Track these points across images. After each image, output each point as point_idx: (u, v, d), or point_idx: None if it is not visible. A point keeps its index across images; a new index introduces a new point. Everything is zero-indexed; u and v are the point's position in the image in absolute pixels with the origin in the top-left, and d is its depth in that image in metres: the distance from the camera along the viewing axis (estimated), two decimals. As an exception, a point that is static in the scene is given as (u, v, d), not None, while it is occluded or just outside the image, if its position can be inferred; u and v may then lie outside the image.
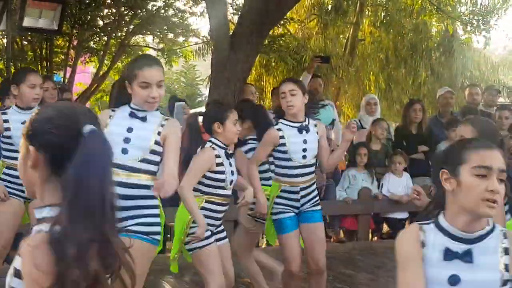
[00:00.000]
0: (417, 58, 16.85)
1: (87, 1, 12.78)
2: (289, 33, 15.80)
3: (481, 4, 13.56)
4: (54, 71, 13.74)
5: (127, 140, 4.00)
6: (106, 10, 13.66)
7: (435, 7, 13.41)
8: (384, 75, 17.15)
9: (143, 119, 4.06)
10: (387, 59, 17.09)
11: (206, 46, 14.59)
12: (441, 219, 2.59)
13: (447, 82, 14.64)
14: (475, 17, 12.75)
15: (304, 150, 5.15)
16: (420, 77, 16.91)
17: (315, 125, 5.34)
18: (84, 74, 15.96)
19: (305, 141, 5.14)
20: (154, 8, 13.79)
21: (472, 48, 17.01)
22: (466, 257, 2.50)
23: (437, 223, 2.59)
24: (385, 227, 8.61)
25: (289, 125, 5.15)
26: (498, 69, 18.41)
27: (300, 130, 5.13)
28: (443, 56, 16.91)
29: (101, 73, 14.02)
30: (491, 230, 2.54)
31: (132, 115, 4.06)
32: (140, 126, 4.05)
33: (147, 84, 3.93)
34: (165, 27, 14.36)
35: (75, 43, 13.76)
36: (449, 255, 2.51)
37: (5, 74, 13.18)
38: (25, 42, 13.08)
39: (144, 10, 13.48)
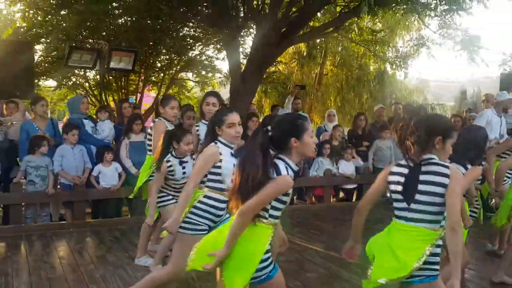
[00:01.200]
0: (361, 86, 16.95)
1: (150, 51, 12.83)
2: (279, 71, 15.86)
3: (401, 51, 13.60)
4: (130, 96, 13.80)
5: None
6: (162, 57, 13.70)
7: (372, 53, 13.42)
8: (340, 97, 17.21)
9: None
10: (341, 87, 17.12)
11: (226, 79, 14.58)
12: None
13: (381, 101, 14.61)
14: (398, 60, 12.73)
15: None
16: (363, 98, 17.00)
17: None
18: (148, 97, 16.00)
19: None
20: (193, 55, 13.82)
21: (396, 79, 16.99)
22: None
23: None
24: (341, 194, 8.60)
25: None
26: (412, 92, 18.45)
27: None
28: (378, 84, 16.93)
29: (159, 97, 14.06)
30: None
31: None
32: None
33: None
34: (200, 67, 14.39)
35: (142, 78, 13.81)
36: None
37: (98, 98, 13.24)
38: (111, 77, 13.08)
39: (186, 56, 13.50)
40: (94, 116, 7.48)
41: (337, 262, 4.64)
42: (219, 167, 3.22)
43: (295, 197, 8.16)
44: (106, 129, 6.92)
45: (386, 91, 17.19)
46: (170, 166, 4.17)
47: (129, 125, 6.59)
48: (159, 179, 4.18)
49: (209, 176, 3.25)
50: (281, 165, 2.48)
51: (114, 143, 7.13)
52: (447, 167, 2.52)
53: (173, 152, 4.24)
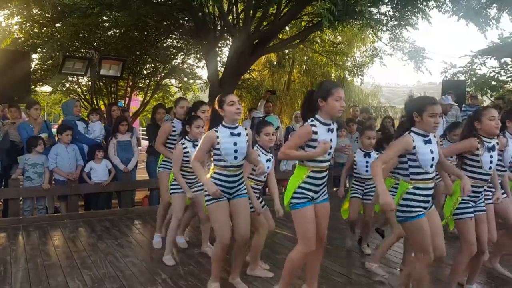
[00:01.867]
0: (324, 91, 17.06)
1: (137, 60, 12.67)
2: (252, 78, 15.84)
3: (358, 60, 13.78)
4: (119, 100, 13.61)
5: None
6: (148, 65, 13.54)
7: (333, 62, 13.56)
8: (306, 101, 17.29)
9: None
10: (307, 92, 17.16)
11: (205, 85, 14.50)
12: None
13: (341, 104, 14.73)
14: (355, 68, 12.92)
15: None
16: (325, 101, 17.11)
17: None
18: (136, 101, 15.78)
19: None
20: (176, 63, 13.70)
21: (354, 85, 17.18)
22: None
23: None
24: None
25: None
26: (368, 96, 18.68)
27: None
28: (338, 90, 17.09)
29: (145, 101, 13.90)
30: None
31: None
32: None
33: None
34: (182, 74, 14.28)
35: (130, 83, 13.61)
36: None
37: (90, 102, 13.00)
38: (101, 83, 12.84)
39: (170, 64, 13.38)
40: (86, 118, 7.34)
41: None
42: (218, 148, 3.29)
43: (267, 189, 8.13)
44: (97, 130, 6.80)
45: (346, 95, 17.34)
46: (185, 148, 4.17)
47: (115, 126, 6.54)
48: (177, 161, 4.16)
49: (214, 156, 3.36)
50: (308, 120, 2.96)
51: (104, 142, 7.02)
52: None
53: (186, 137, 4.26)
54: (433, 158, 2.86)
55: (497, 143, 3.41)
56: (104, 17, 10.45)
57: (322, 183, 3.04)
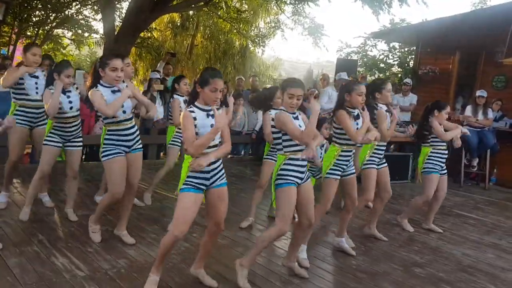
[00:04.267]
0: (226, 58, 17.01)
1: (25, 4, 11.47)
2: (153, 37, 15.23)
3: (260, 31, 13.93)
4: (2, 47, 12.31)
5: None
6: (38, 12, 12.34)
7: (237, 30, 13.54)
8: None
9: None
10: (209, 58, 17.04)
11: (102, 40, 13.63)
12: None
13: (242, 73, 14.85)
14: (257, 38, 13.04)
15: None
16: (228, 69, 17.05)
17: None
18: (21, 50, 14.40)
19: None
20: (70, 13, 12.64)
21: (256, 55, 17.37)
22: None
23: None
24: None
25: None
26: (269, 68, 19.05)
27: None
28: (241, 58, 17.16)
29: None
30: None
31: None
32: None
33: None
34: (76, 25, 13.24)
35: (16, 30, 12.34)
36: None
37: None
38: (-20, 27, 11.46)
39: (63, 13, 12.31)
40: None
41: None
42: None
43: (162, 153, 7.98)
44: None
45: (247, 65, 17.49)
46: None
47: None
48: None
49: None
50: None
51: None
52: None
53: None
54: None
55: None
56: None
57: (215, 168, 2.90)
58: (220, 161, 2.96)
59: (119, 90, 3.49)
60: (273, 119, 3.12)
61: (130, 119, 3.62)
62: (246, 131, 7.91)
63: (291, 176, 3.06)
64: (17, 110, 4.32)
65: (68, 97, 4.01)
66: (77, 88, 4.18)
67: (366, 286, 3.35)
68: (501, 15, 7.53)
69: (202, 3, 9.58)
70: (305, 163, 3.15)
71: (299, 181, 3.10)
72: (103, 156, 3.52)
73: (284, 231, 3.07)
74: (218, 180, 2.93)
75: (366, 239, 4.39)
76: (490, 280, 3.67)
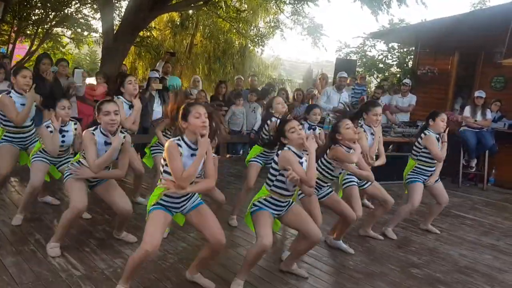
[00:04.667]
0: (226, 58, 17.00)
1: (25, 3, 11.44)
2: (153, 36, 15.20)
3: (260, 30, 13.92)
4: (1, 46, 12.28)
5: None
6: (37, 10, 12.31)
7: (236, 30, 13.52)
8: (207, 66, 17.13)
9: None
10: (209, 57, 17.03)
11: (101, 38, 13.62)
12: None
13: (241, 72, 14.84)
14: (257, 38, 13.02)
15: None
16: (227, 68, 17.05)
17: None
18: (21, 49, 14.33)
19: None
20: (69, 12, 12.61)
21: (255, 55, 17.35)
22: None
23: None
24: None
25: None
26: (268, 68, 19.03)
27: None
28: (240, 58, 17.15)
29: (32, 50, 12.68)
30: None
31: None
32: None
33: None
34: (75, 24, 13.22)
35: (15, 28, 12.31)
36: None
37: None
38: (-21, 25, 11.44)
39: (62, 12, 12.28)
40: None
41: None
42: None
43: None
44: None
45: (246, 64, 17.48)
46: None
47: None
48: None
49: None
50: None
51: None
52: None
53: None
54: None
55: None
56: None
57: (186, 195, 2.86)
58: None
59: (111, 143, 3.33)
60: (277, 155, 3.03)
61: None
62: (245, 131, 7.90)
63: (267, 207, 3.07)
64: (5, 136, 4.14)
65: (63, 136, 3.88)
66: (75, 124, 4.03)
67: (363, 287, 3.35)
68: (500, 16, 7.53)
69: (202, 2, 9.56)
70: (285, 204, 3.11)
71: (276, 213, 3.11)
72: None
73: (265, 247, 2.91)
74: (190, 204, 2.90)
75: (363, 240, 4.39)
76: (487, 281, 3.66)
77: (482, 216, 5.81)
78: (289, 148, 3.03)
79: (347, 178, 4.06)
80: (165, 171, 2.75)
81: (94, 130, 3.33)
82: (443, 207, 4.84)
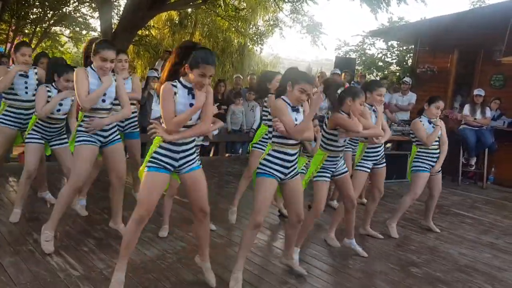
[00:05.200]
0: (225, 56, 16.97)
1: (23, 2, 11.40)
2: (151, 35, 15.19)
3: (259, 29, 13.90)
4: (-1, 45, 12.29)
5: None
6: (35, 9, 12.28)
7: (235, 28, 13.51)
8: (206, 65, 17.10)
9: None
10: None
11: (100, 37, 13.62)
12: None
13: (240, 71, 14.83)
14: (256, 36, 13.01)
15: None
16: (225, 67, 17.04)
17: None
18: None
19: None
20: (67, 10, 12.59)
21: (254, 53, 17.33)
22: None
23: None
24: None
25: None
26: (267, 66, 19.00)
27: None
28: (239, 56, 17.14)
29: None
30: None
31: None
32: None
33: None
34: (74, 23, 13.20)
35: (13, 27, 12.29)
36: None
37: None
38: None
39: (60, 11, 12.26)
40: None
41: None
42: None
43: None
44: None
45: (246, 63, 17.47)
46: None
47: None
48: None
49: None
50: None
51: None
52: None
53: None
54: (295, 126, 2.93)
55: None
56: None
57: (186, 150, 2.81)
58: (193, 143, 2.85)
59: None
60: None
61: (109, 109, 3.48)
62: (245, 130, 7.89)
63: (272, 169, 2.96)
64: (5, 111, 4.20)
65: (60, 104, 3.91)
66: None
67: (363, 286, 3.34)
68: (499, 14, 7.51)
69: (200, 1, 9.57)
70: (292, 158, 3.01)
71: (281, 176, 3.00)
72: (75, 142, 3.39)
73: (257, 223, 2.93)
74: (188, 165, 2.82)
75: (363, 239, 4.38)
76: (487, 280, 3.66)
77: (481, 215, 5.81)
78: (283, 100, 2.98)
79: (361, 163, 4.12)
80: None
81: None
82: (436, 199, 4.82)
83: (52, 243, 3.40)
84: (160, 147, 2.74)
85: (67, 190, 3.40)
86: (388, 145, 7.90)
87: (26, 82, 4.23)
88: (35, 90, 4.14)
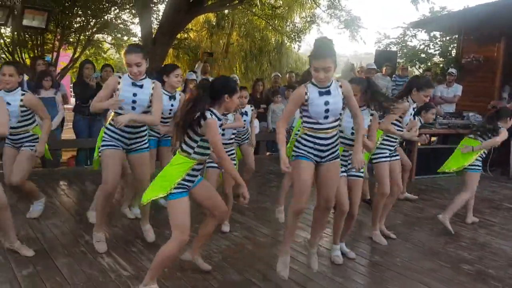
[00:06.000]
0: (262, 56, 17.02)
1: (67, 12, 11.85)
2: (190, 38, 15.42)
3: (296, 26, 13.82)
4: (46, 54, 12.77)
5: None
6: (78, 18, 12.72)
7: (272, 27, 13.50)
8: (244, 65, 17.23)
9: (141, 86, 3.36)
10: (245, 56, 17.12)
11: (140, 42, 13.94)
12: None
13: (278, 69, 14.81)
14: (293, 34, 12.94)
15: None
16: (263, 66, 17.08)
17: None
18: (65, 56, 14.87)
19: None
20: (109, 18, 12.97)
21: (292, 51, 17.26)
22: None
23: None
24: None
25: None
26: (305, 63, 18.84)
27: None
28: (276, 55, 17.13)
29: (75, 57, 13.13)
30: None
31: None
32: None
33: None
34: (115, 30, 13.58)
35: (59, 37, 12.77)
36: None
37: (14, 55, 12.09)
38: (27, 36, 11.92)
39: (102, 19, 12.65)
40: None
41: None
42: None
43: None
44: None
45: (283, 61, 17.42)
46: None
47: (38, 81, 6.15)
48: None
49: None
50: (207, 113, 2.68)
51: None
52: None
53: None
54: (327, 110, 2.86)
55: None
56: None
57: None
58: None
59: (141, 86, 3.36)
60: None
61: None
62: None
63: (306, 151, 2.91)
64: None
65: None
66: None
67: (412, 284, 3.27)
68: (549, -3, 7.15)
69: (237, 1, 9.61)
70: (327, 142, 2.91)
71: (317, 158, 2.94)
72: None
73: (298, 208, 2.91)
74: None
75: (410, 236, 4.29)
76: (545, 277, 3.50)
77: (536, 209, 5.54)
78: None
79: (378, 153, 3.95)
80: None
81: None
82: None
83: (103, 243, 3.54)
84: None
85: (98, 194, 3.66)
86: (434, 139, 7.67)
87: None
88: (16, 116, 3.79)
